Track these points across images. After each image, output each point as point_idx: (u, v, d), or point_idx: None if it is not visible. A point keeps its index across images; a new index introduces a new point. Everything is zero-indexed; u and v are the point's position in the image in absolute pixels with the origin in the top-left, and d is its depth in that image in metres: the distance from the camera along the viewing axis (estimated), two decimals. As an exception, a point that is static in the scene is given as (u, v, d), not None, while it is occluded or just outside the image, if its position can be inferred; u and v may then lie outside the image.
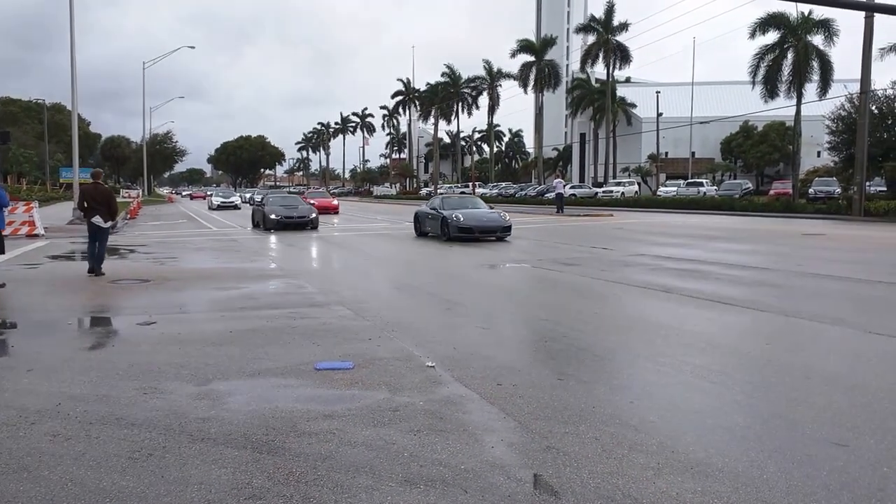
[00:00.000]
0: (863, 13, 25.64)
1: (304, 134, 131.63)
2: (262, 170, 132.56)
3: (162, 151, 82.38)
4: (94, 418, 4.33)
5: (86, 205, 11.36)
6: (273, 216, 22.32)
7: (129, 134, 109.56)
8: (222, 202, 43.25)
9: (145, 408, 4.53)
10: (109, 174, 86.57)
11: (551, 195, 41.67)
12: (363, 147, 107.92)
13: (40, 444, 3.91)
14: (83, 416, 4.38)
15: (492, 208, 20.43)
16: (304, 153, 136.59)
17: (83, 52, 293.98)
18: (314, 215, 23.07)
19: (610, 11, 53.32)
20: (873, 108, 29.37)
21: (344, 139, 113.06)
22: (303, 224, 22.59)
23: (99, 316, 8.23)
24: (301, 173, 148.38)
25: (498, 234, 17.69)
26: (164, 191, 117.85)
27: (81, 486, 3.36)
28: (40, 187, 57.53)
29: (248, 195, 53.23)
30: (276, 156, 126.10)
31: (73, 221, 25.45)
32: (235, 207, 42.31)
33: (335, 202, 38.30)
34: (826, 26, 34.76)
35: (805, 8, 35.47)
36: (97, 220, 11.27)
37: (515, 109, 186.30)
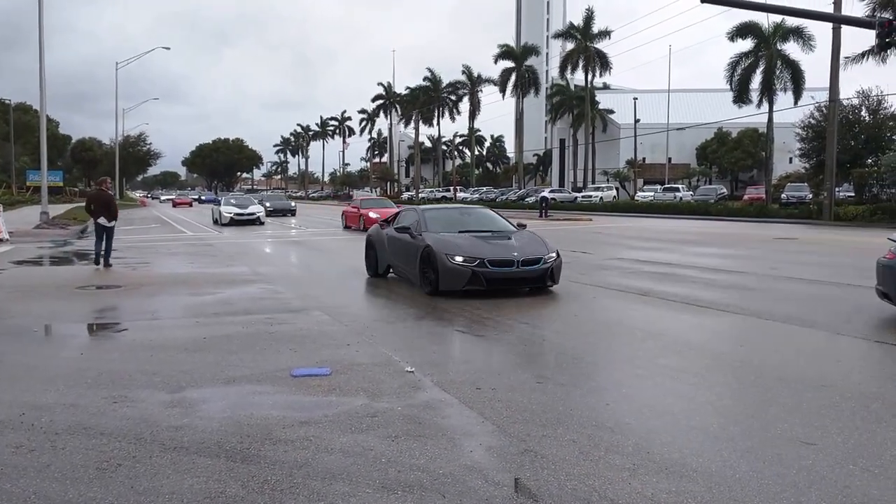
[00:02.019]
0: (830, 25, 26.26)
1: (282, 137, 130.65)
2: (239, 173, 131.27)
3: (135, 154, 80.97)
4: (61, 428, 4.21)
5: (92, 207, 13.45)
6: (458, 260, 9.18)
7: (104, 136, 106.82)
8: (238, 214, 28.41)
9: (115, 417, 4.43)
10: (79, 177, 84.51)
11: (532, 199, 42.87)
12: (343, 151, 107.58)
13: (2, 456, 3.79)
14: (48, 426, 4.26)
15: None
16: (283, 156, 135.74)
17: (58, 52, 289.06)
18: (552, 257, 9.69)
19: (589, 19, 53.88)
20: (841, 116, 30.09)
21: (323, 143, 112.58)
22: (533, 277, 9.48)
23: (67, 323, 8.03)
24: (279, 177, 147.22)
25: None
26: (137, 194, 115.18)
27: (46, 498, 3.26)
28: (5, 190, 56.09)
29: (268, 204, 35.64)
30: (254, 159, 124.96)
31: (39, 225, 24.87)
32: (257, 222, 28.49)
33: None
34: (799, 34, 35.58)
35: (777, 17, 36.30)
36: (102, 220, 13.23)
37: (496, 114, 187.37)
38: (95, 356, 6.19)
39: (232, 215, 28.32)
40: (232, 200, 31.43)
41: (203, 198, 74.55)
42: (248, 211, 28.80)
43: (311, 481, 3.42)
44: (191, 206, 61.48)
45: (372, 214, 22.80)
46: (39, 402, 4.75)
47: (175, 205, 62.76)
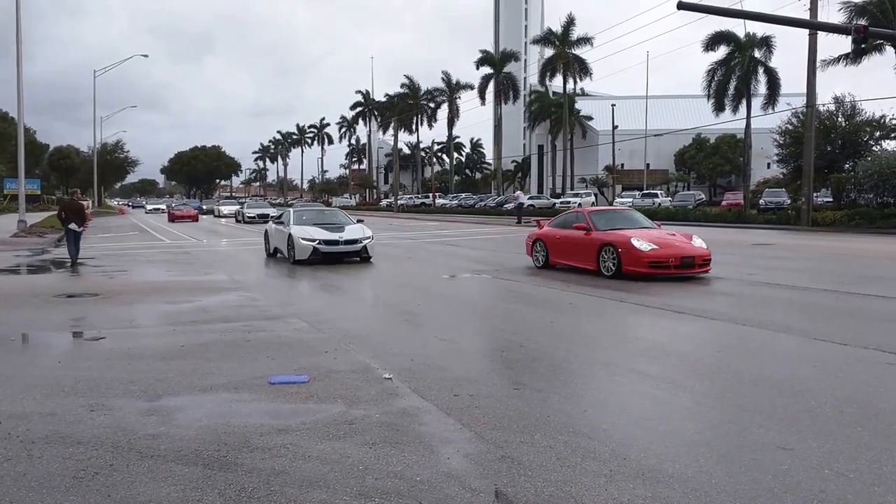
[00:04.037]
0: (807, 31, 26.81)
1: (261, 144, 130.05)
2: (218, 180, 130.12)
3: (113, 162, 79.84)
4: (37, 437, 4.16)
5: (63, 215, 15.23)
6: None
7: (82, 144, 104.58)
8: (328, 242, 14.77)
9: (92, 425, 4.39)
10: (57, 185, 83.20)
11: (510, 206, 43.15)
12: (322, 157, 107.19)
13: (-23, 466, 3.74)
14: (25, 434, 4.21)
15: None
16: (262, 163, 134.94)
17: (36, 60, 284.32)
18: None
19: (568, 25, 54.38)
20: (818, 122, 30.65)
21: (302, 150, 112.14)
22: None
23: (44, 331, 7.92)
24: (258, 184, 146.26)
25: None
26: (116, 202, 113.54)
27: (21, 508, 3.22)
28: (-18, 199, 54.99)
29: (357, 220, 17.09)
30: (233, 166, 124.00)
31: (17, 234, 24.40)
32: (354, 254, 15.19)
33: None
34: (767, 43, 36.69)
35: (752, 26, 37.22)
36: (73, 226, 14.97)
37: (475, 121, 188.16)
38: (73, 364, 6.11)
39: (316, 245, 14.69)
40: (304, 216, 16.41)
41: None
42: (345, 238, 15.04)
43: (289, 489, 3.42)
44: (196, 220, 41.80)
45: (640, 244, 11.41)
46: (16, 410, 4.69)
47: (173, 218, 41.75)
